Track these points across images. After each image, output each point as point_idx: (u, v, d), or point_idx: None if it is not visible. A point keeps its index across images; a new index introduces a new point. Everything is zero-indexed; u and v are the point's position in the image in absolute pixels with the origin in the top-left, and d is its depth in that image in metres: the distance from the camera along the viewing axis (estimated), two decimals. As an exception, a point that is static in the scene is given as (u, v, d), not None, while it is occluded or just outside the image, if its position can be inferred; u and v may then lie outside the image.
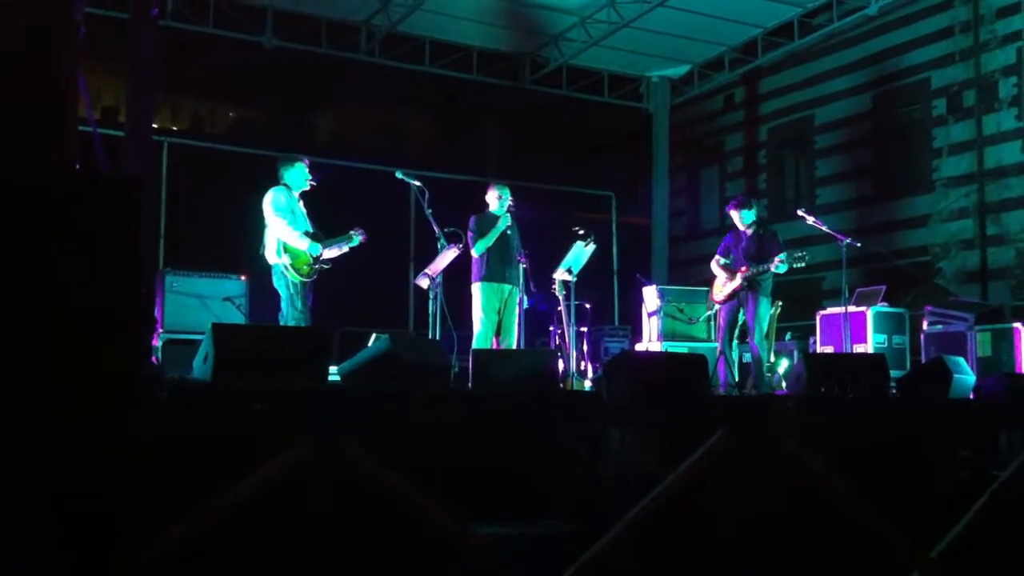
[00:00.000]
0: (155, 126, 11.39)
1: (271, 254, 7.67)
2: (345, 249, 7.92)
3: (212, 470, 3.24)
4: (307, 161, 7.97)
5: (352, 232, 7.90)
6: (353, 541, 3.52)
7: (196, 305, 9.37)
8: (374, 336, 7.66)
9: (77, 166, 3.71)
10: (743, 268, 8.95)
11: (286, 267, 7.58)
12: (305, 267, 7.64)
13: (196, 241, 12.03)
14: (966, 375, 6.80)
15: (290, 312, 7.59)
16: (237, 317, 9.56)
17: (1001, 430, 5.48)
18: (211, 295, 9.53)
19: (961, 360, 7.12)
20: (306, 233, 7.70)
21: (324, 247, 7.75)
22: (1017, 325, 10.22)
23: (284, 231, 7.62)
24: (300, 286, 7.61)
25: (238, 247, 11.87)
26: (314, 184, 7.94)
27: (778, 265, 8.70)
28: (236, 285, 9.80)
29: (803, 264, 8.78)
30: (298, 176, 7.90)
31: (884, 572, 4.21)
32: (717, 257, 9.30)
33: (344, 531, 3.51)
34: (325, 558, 3.46)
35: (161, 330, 9.13)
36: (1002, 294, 13.35)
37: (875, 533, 4.21)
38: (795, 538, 4.31)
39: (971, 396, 6.53)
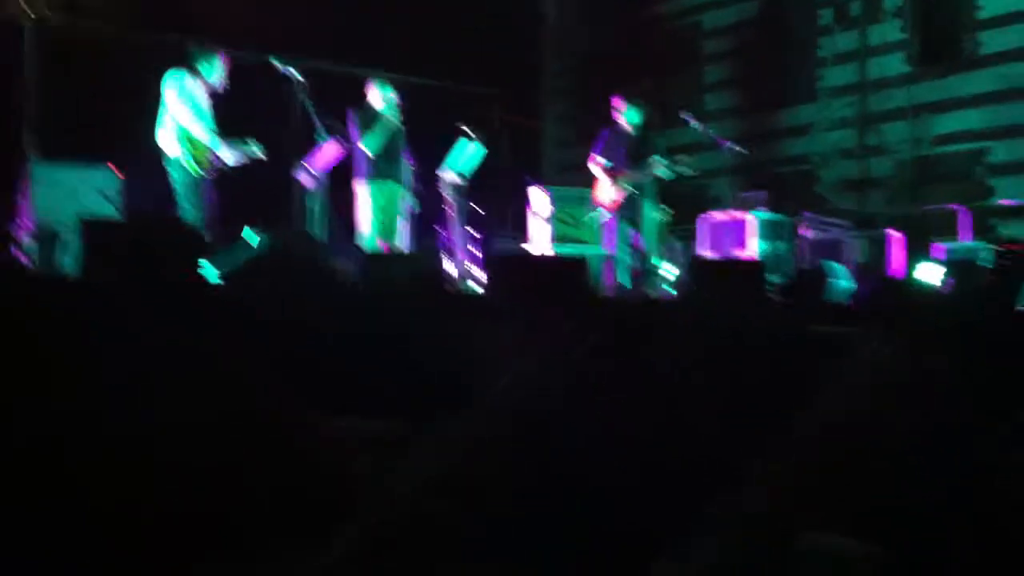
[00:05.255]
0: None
1: (169, 143, 7.26)
2: (244, 160, 7.50)
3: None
4: (224, 57, 7.51)
5: (248, 140, 7.50)
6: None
7: (66, 197, 8.94)
8: (245, 230, 7.36)
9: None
10: (623, 172, 8.91)
11: (185, 158, 7.23)
12: (205, 160, 7.28)
13: (67, 129, 11.42)
14: (843, 280, 6.99)
15: (186, 206, 7.24)
16: (110, 210, 9.17)
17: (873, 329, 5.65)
18: (82, 186, 9.09)
19: (837, 265, 7.31)
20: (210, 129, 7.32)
21: (224, 147, 7.39)
22: (888, 230, 10.56)
23: (187, 119, 7.21)
24: (198, 181, 7.28)
25: (112, 136, 11.33)
26: (227, 86, 7.52)
27: (659, 169, 8.69)
28: (108, 176, 9.35)
29: (690, 171, 8.78)
30: (210, 71, 7.46)
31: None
32: (596, 156, 9.20)
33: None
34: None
35: (29, 224, 8.71)
36: (878, 204, 13.73)
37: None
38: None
39: (849, 302, 6.72)
